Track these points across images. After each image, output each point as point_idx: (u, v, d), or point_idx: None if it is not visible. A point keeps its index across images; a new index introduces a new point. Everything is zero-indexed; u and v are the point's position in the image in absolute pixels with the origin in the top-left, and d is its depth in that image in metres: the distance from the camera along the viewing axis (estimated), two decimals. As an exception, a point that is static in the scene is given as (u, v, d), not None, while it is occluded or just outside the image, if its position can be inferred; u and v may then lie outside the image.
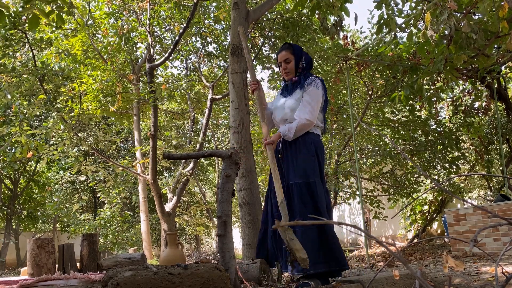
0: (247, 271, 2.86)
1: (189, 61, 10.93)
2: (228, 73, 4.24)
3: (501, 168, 9.17)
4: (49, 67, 7.99)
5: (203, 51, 10.06)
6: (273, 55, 9.32)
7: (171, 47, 8.43)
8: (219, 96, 9.57)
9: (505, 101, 7.82)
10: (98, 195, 11.36)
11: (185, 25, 7.92)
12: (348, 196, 9.32)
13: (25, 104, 8.32)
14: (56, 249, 4.00)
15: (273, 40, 8.66)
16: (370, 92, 8.05)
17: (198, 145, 9.91)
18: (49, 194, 15.44)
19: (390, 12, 4.46)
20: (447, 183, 8.77)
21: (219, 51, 9.98)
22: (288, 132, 2.78)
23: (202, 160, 14.63)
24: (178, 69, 25.70)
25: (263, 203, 3.11)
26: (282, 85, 3.10)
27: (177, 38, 8.22)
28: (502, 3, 3.60)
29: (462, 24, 3.72)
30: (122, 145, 16.02)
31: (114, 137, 11.96)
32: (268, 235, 2.86)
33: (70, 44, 9.19)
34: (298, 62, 2.94)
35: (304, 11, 7.85)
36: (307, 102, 2.77)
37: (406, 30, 4.70)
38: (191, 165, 9.67)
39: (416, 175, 8.52)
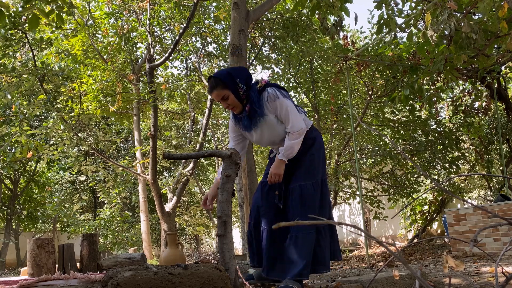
0: (248, 271, 2.86)
1: (189, 61, 10.94)
2: (228, 73, 4.23)
3: (501, 168, 9.17)
4: (49, 67, 7.99)
5: (203, 51, 10.06)
6: (273, 55, 9.33)
7: (171, 47, 8.43)
8: (219, 96, 9.56)
9: (505, 101, 7.82)
10: (98, 195, 11.36)
11: (185, 25, 7.92)
12: (348, 196, 9.32)
13: (25, 104, 8.32)
14: (56, 249, 4.00)
15: (273, 40, 8.66)
16: (370, 92, 8.06)
17: (198, 145, 9.91)
18: (49, 194, 15.44)
19: (390, 12, 4.46)
20: (447, 183, 8.77)
21: (219, 51, 9.98)
22: (289, 152, 2.51)
23: (202, 160, 14.63)
24: (178, 69, 25.73)
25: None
26: (233, 118, 2.65)
27: (177, 38, 8.22)
28: (502, 3, 3.60)
29: (462, 24, 3.72)
30: (122, 145, 16.02)
31: (114, 137, 11.96)
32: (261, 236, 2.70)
33: (70, 44, 9.19)
34: (236, 91, 2.49)
35: (304, 11, 7.85)
36: (284, 116, 2.50)
37: (406, 30, 4.70)
38: (191, 165, 9.67)
39: (416, 175, 8.52)
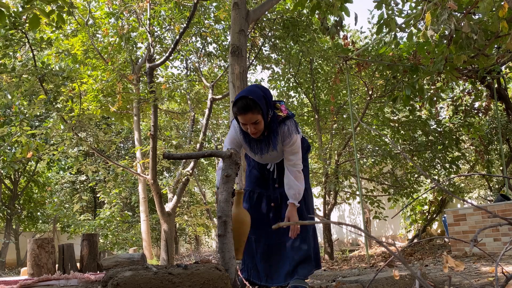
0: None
1: (189, 61, 10.94)
2: (228, 73, 4.24)
3: (501, 168, 9.17)
4: (49, 67, 7.99)
5: (203, 51, 10.06)
6: (273, 55, 9.33)
7: (171, 47, 8.43)
8: (219, 96, 9.58)
9: (505, 101, 7.82)
10: (98, 195, 11.37)
11: (185, 25, 7.91)
12: (348, 196, 9.32)
13: (25, 104, 8.32)
14: (56, 249, 4.01)
15: (273, 40, 8.66)
16: (370, 92, 8.06)
17: (198, 145, 9.90)
18: (49, 194, 15.44)
19: (390, 12, 4.46)
20: (447, 183, 8.77)
21: (219, 51, 9.98)
22: (298, 195, 2.51)
23: (202, 160, 14.63)
24: (178, 69, 25.74)
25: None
26: (242, 134, 2.49)
27: (177, 38, 8.22)
28: (502, 3, 3.60)
29: (462, 24, 3.72)
30: (122, 145, 16.02)
31: (114, 137, 11.96)
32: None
33: (70, 44, 9.18)
34: (266, 117, 2.36)
35: (304, 11, 7.85)
36: (290, 151, 2.50)
37: (406, 30, 4.70)
38: (191, 165, 9.66)
39: (416, 175, 8.52)
